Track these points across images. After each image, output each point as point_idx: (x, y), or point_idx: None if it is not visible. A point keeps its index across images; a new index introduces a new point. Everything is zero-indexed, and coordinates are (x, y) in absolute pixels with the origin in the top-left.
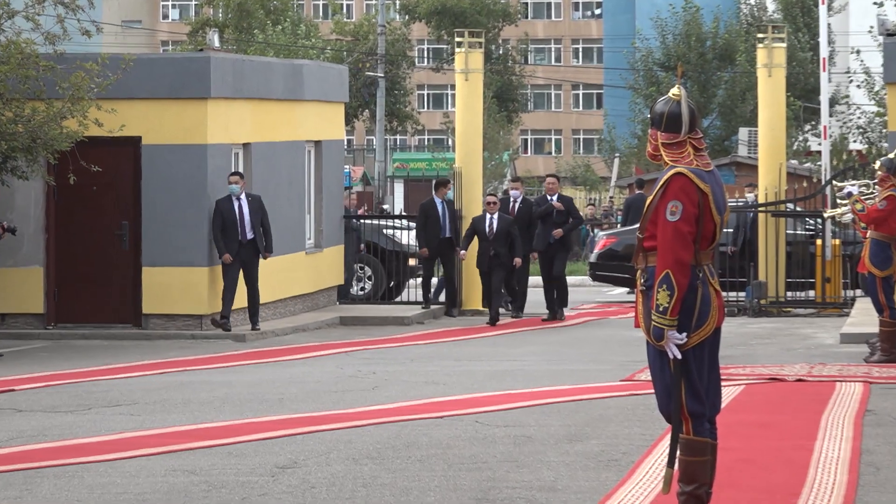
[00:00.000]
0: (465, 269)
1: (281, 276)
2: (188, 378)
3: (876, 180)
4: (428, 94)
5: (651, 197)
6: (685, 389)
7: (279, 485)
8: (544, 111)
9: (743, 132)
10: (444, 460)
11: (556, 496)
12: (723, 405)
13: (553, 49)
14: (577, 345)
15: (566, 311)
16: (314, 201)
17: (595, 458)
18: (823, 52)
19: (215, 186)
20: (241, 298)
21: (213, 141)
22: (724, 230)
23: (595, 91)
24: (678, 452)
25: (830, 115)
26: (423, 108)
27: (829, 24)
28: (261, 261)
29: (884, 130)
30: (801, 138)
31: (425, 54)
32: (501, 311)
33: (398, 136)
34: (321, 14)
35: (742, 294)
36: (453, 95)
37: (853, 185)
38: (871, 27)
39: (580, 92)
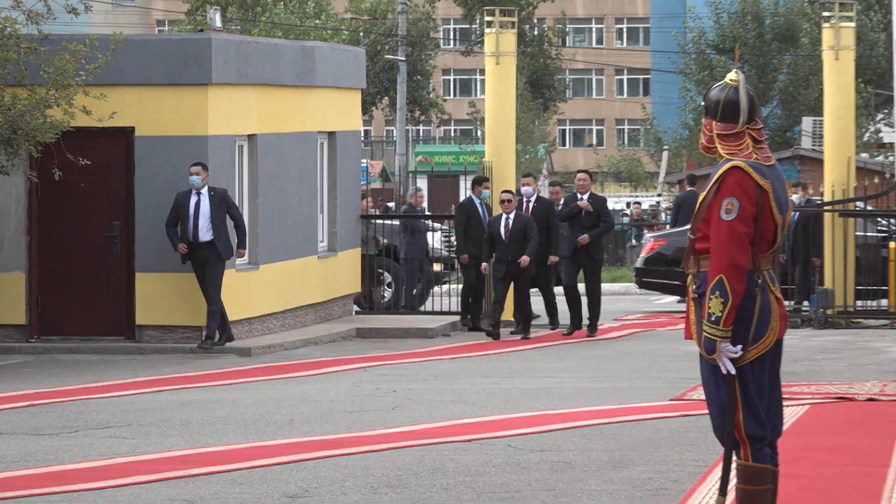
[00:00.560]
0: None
1: (290, 282)
2: (187, 397)
3: None
4: (454, 80)
5: (704, 193)
6: (742, 409)
7: None
8: (584, 99)
9: (806, 122)
10: (474, 489)
11: None
12: (785, 427)
13: (594, 29)
14: (622, 360)
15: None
16: (327, 199)
17: (642, 486)
18: None
19: (217, 183)
20: (240, 308)
21: (214, 132)
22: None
23: (641, 76)
24: (735, 480)
25: None
26: (449, 95)
27: None
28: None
29: None
30: (871, 129)
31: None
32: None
33: (421, 127)
34: None
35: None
36: (482, 81)
37: None
38: None
39: (624, 77)
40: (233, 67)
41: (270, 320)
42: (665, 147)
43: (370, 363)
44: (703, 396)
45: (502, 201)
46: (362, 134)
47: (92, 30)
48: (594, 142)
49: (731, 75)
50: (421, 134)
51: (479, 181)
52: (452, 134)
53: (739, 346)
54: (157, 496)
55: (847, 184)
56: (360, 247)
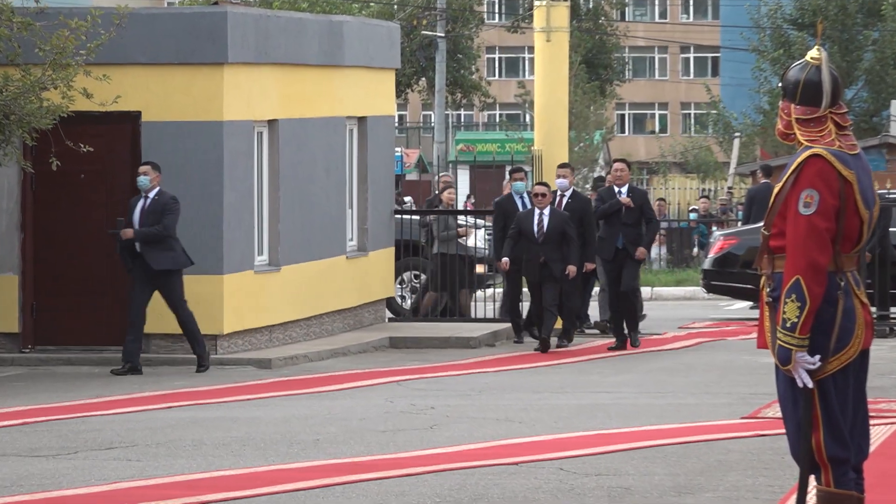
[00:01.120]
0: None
1: (315, 286)
2: (199, 414)
3: None
4: (500, 59)
5: (780, 185)
6: (823, 428)
7: None
8: (646, 80)
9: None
10: None
11: None
12: (872, 449)
13: (657, 1)
14: (687, 373)
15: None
16: (357, 193)
17: None
18: None
19: (233, 174)
20: (258, 315)
21: (230, 117)
22: None
23: (710, 55)
24: None
25: None
26: (494, 76)
27: None
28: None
29: None
30: None
31: (496, 9)
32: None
33: (462, 112)
34: None
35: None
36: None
37: None
38: None
39: (690, 56)
40: (251, 45)
41: (293, 328)
42: (736, 134)
43: (405, 376)
44: (779, 414)
45: (535, 195)
46: (396, 119)
47: (94, 2)
48: (657, 128)
49: (813, 53)
50: (462, 119)
51: (513, 172)
52: (497, 119)
53: (818, 357)
54: None
55: None
56: (435, 244)
